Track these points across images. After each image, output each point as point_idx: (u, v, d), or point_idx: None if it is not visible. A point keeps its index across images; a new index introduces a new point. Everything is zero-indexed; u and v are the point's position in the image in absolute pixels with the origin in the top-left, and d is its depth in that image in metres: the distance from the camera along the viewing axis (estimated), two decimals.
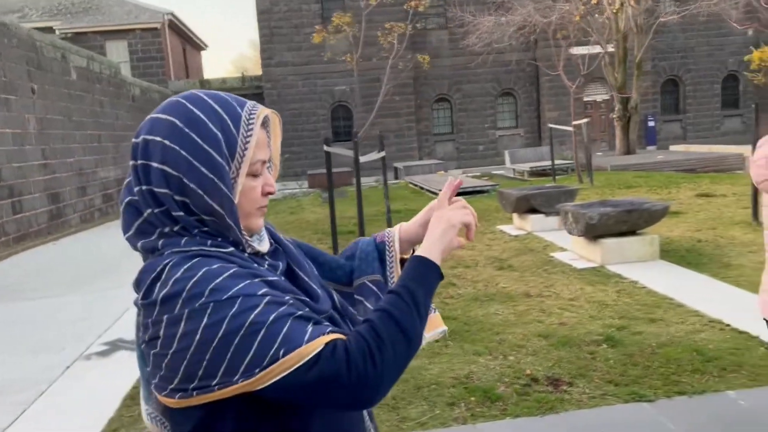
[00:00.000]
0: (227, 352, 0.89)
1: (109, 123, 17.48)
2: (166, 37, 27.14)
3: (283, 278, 1.04)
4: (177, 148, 0.96)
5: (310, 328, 0.93)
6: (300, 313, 0.95)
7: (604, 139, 28.17)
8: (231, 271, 0.94)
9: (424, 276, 1.04)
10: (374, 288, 1.25)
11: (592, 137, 28.72)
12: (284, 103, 26.61)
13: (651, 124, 28.62)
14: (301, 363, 0.90)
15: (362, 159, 7.60)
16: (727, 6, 25.49)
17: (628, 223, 6.86)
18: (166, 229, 0.99)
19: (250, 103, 1.02)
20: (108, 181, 16.92)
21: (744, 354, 4.19)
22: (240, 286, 0.92)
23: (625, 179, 13.51)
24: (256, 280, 0.95)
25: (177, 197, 0.97)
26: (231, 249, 0.99)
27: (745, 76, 29.73)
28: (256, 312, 0.91)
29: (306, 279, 1.09)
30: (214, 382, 0.90)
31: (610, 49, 21.19)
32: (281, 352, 0.90)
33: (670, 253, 7.09)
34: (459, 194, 1.22)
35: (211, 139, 0.96)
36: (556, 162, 15.53)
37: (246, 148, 0.98)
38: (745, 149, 18.87)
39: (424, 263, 1.06)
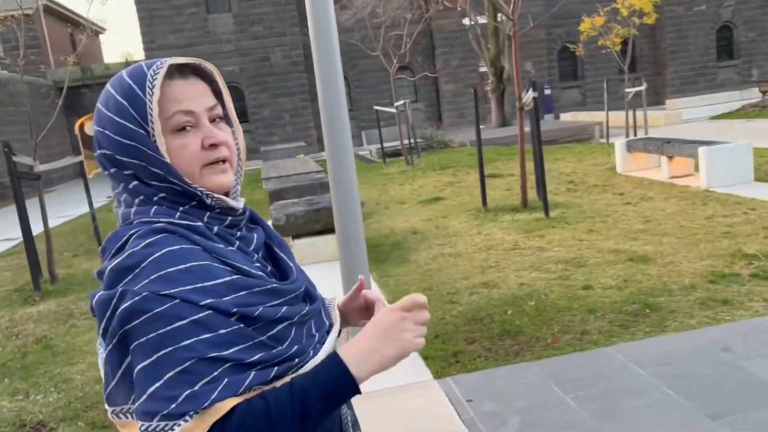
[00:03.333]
0: (131, 341, 0.88)
1: None
2: (42, 23, 25.96)
3: (256, 255, 1.03)
4: (103, 130, 0.98)
5: (219, 387, 0.86)
6: (215, 355, 0.87)
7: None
8: (189, 263, 0.91)
9: (332, 386, 0.90)
10: None
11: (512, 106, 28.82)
12: None
13: (547, 92, 28.59)
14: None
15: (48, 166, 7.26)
16: None
17: (320, 221, 6.69)
18: (137, 201, 0.99)
19: (162, 61, 0.98)
20: None
21: None
22: (189, 287, 0.89)
23: (450, 159, 13.40)
24: (211, 282, 0.91)
25: (126, 172, 0.98)
26: (199, 224, 0.97)
27: (639, 40, 29.93)
28: (177, 325, 0.86)
29: (283, 256, 1.08)
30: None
31: (482, 20, 21.00)
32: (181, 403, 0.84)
33: (379, 248, 6.96)
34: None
35: (120, 110, 0.96)
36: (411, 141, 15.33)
37: (151, 107, 0.95)
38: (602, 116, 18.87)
39: (339, 372, 0.91)
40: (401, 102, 13.56)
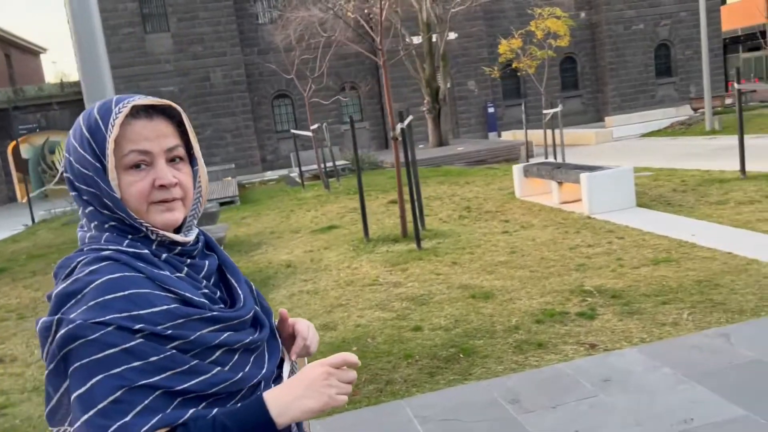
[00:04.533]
0: (67, 373, 0.93)
1: None
2: None
3: (206, 282, 1.07)
4: (68, 156, 1.05)
5: (152, 420, 0.91)
6: (145, 383, 0.92)
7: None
8: (127, 291, 0.94)
9: (252, 425, 0.95)
10: None
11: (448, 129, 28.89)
12: None
13: (491, 110, 28.88)
14: None
15: None
16: None
17: None
18: (92, 225, 1.04)
19: (129, 100, 1.03)
20: None
21: None
22: (123, 315, 0.93)
23: (370, 182, 13.23)
24: (147, 311, 0.95)
25: (84, 197, 1.03)
26: (146, 251, 1.02)
27: (580, 58, 30.45)
28: (108, 353, 0.91)
29: (234, 283, 1.12)
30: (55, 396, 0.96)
31: (418, 41, 21.07)
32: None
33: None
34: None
35: (82, 141, 1.02)
36: (336, 163, 15.16)
37: (107, 143, 1.00)
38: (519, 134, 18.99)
39: (259, 412, 0.96)
40: (316, 125, 13.39)
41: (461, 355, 4.16)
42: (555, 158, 14.02)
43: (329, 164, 13.83)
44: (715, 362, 3.67)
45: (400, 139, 6.92)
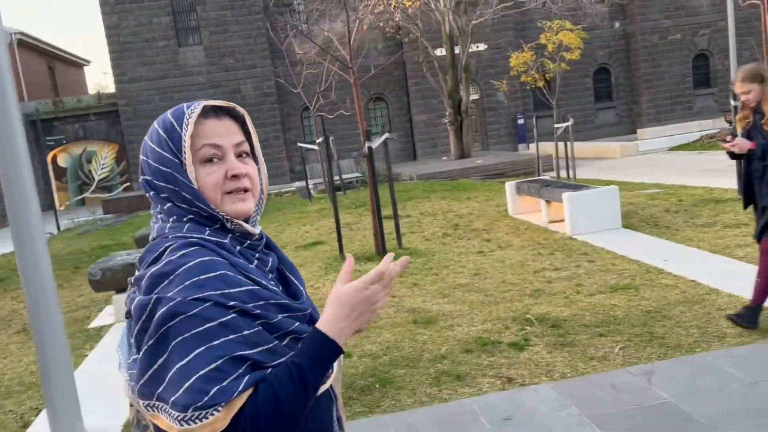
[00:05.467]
0: (167, 347, 1.01)
1: None
2: (15, 57, 26.37)
3: (270, 275, 1.17)
4: (146, 158, 1.16)
5: (243, 381, 1.00)
6: (240, 354, 1.01)
7: (477, 140, 27.97)
8: (218, 272, 1.04)
9: (320, 353, 1.05)
10: None
11: (471, 138, 28.63)
12: (142, 119, 25.97)
13: (520, 121, 28.50)
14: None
15: None
16: (587, 1, 25.43)
17: None
18: (171, 219, 1.14)
19: (199, 102, 1.16)
20: None
21: None
22: (218, 292, 1.02)
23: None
24: (236, 289, 1.04)
25: (162, 195, 1.14)
26: (226, 241, 1.12)
27: (614, 69, 29.80)
28: (207, 326, 1.00)
29: (294, 280, 1.22)
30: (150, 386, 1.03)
31: (441, 53, 20.98)
32: (206, 398, 0.98)
33: None
34: None
35: (159, 141, 1.13)
36: (349, 176, 15.18)
37: (185, 140, 1.11)
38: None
39: (322, 341, 1.06)
40: (320, 138, 13.42)
41: (377, 386, 4.06)
42: (567, 172, 13.71)
43: (323, 178, 13.83)
44: (624, 403, 3.48)
45: (365, 156, 6.85)
